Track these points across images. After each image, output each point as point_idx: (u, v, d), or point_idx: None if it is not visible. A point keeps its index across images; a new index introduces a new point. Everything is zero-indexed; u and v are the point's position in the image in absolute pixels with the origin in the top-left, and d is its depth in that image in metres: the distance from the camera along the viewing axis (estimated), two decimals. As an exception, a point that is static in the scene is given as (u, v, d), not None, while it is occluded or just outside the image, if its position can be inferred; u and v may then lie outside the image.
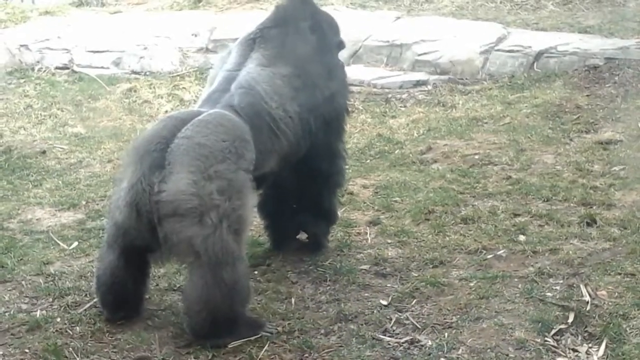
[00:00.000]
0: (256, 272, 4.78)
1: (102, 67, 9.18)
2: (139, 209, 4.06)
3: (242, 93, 4.48)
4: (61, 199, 5.97)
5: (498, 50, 8.57)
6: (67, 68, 9.14)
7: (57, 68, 9.15)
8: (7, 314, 4.35)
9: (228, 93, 4.48)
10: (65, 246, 5.19)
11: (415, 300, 4.44)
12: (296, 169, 4.84)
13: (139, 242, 4.15)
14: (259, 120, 4.44)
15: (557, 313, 4.19)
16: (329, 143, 4.94)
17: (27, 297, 4.56)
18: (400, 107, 7.84)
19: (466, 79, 8.34)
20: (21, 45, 9.48)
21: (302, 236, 5.19)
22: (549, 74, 8.07)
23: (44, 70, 9.09)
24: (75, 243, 5.23)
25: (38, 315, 4.32)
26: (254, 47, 4.72)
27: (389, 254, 4.97)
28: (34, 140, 7.37)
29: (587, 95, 7.48)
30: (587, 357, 3.88)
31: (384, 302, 4.44)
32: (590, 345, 3.96)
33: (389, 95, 8.10)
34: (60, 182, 6.33)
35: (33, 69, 9.11)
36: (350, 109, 5.39)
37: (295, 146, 4.67)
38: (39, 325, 4.21)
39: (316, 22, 4.91)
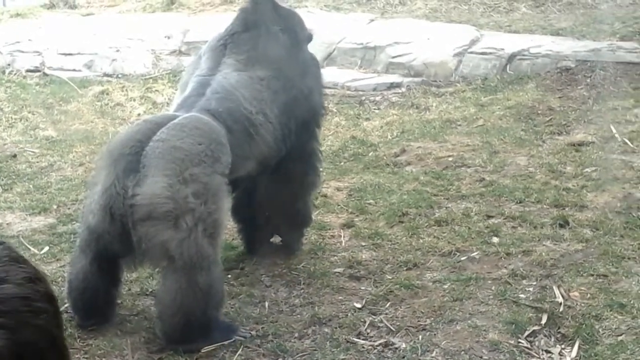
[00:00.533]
0: (230, 276, 4.75)
1: (73, 70, 9.09)
2: (112, 213, 4.03)
3: (220, 98, 4.45)
4: (32, 203, 5.90)
5: (471, 52, 8.59)
6: (39, 71, 9.05)
7: (28, 71, 9.05)
8: (-24, 320, 4.29)
9: (203, 98, 4.45)
10: (36, 251, 5.13)
11: (389, 303, 4.43)
12: (271, 170, 4.83)
13: (112, 247, 4.12)
14: (238, 125, 4.41)
15: (531, 314, 4.20)
16: (305, 142, 4.93)
17: (-3, 303, 4.50)
18: (374, 109, 7.85)
19: (440, 81, 8.35)
20: (-9, 48, 9.38)
21: (276, 239, 5.18)
22: (522, 76, 8.10)
23: (15, 73, 8.99)
24: (46, 248, 5.17)
25: (8, 322, 4.26)
26: (225, 52, 4.69)
27: (363, 257, 4.96)
28: (4, 144, 7.29)
29: (560, 97, 7.52)
30: (560, 358, 3.89)
31: (358, 305, 4.43)
32: (563, 346, 3.98)
33: (363, 98, 8.10)
34: (31, 186, 6.26)
35: (4, 72, 9.01)
36: (325, 106, 5.39)
37: (275, 150, 4.65)
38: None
39: (283, 20, 4.90)
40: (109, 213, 4.04)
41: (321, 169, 5.37)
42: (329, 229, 5.36)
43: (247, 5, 4.93)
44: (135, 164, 4.00)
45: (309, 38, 5.06)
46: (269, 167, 4.71)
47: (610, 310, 4.16)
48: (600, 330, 4.02)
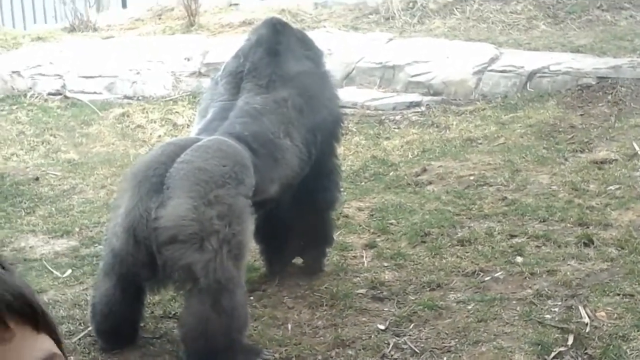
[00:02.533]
0: (252, 298, 4.74)
1: (94, 93, 9.13)
2: (136, 235, 4.03)
3: (244, 122, 4.47)
4: (54, 226, 5.92)
5: (491, 70, 8.55)
6: (60, 94, 9.10)
7: (49, 94, 9.10)
8: (0, 344, 4.29)
9: (227, 121, 4.47)
10: (59, 274, 5.14)
11: (413, 325, 4.41)
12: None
13: (136, 270, 4.12)
14: (263, 149, 4.42)
15: (557, 335, 4.16)
16: (325, 159, 4.94)
17: (21, 326, 4.50)
18: (394, 128, 7.83)
19: (459, 99, 8.32)
20: (13, 72, 9.43)
21: (298, 260, 5.16)
22: (542, 93, 8.06)
23: (36, 97, 9.04)
24: (69, 271, 5.19)
25: (32, 345, 4.26)
26: (244, 77, 4.70)
27: (386, 277, 4.93)
28: (26, 167, 7.33)
29: (581, 115, 7.47)
30: (588, 380, 3.85)
31: (382, 327, 4.40)
32: (590, 367, 3.93)
33: (383, 117, 8.08)
34: (53, 209, 6.28)
35: (25, 95, 9.06)
36: (344, 120, 5.40)
37: (299, 173, 4.66)
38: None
39: (296, 39, 4.92)
40: (133, 235, 4.05)
41: (341, 185, 5.36)
42: (351, 250, 5.34)
43: (259, 28, 4.95)
44: (159, 185, 4.02)
45: (321, 54, 5.08)
46: (292, 188, 4.70)
47: (638, 331, 4.11)
48: (627, 350, 3.98)
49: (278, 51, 4.79)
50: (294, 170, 4.61)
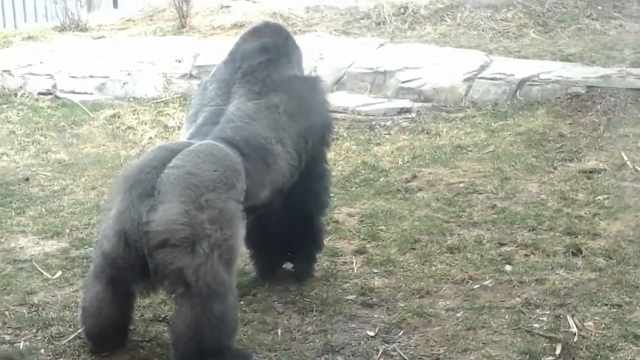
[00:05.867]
0: (242, 302, 4.74)
1: (85, 93, 9.12)
2: (127, 239, 4.04)
3: (235, 127, 4.47)
4: (45, 227, 5.92)
5: (481, 78, 8.60)
6: (50, 94, 9.09)
7: (40, 94, 9.09)
8: (-10, 345, 4.31)
9: (218, 126, 4.48)
10: (49, 275, 5.14)
11: (402, 331, 4.43)
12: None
13: (126, 273, 4.12)
14: (254, 154, 4.43)
15: (545, 344, 4.19)
16: (315, 164, 4.95)
17: (10, 327, 4.51)
18: (385, 134, 7.86)
19: (450, 106, 8.36)
20: (4, 71, 9.42)
21: (288, 265, 5.18)
22: (532, 102, 8.11)
23: (27, 96, 9.03)
24: (59, 272, 5.18)
25: (22, 347, 4.28)
26: (236, 82, 4.70)
27: (376, 284, 4.96)
28: (16, 167, 7.32)
29: (570, 124, 7.52)
30: (575, 390, 3.88)
31: (371, 333, 4.43)
32: (578, 377, 3.97)
33: (373, 123, 8.11)
34: (43, 209, 6.28)
35: (16, 95, 9.05)
36: (334, 124, 5.42)
37: (289, 180, 4.67)
38: (23, 357, 4.16)
39: (285, 41, 4.92)
40: (124, 239, 4.05)
41: (331, 191, 5.37)
42: (341, 256, 5.36)
43: (260, 33, 4.94)
44: (150, 189, 4.02)
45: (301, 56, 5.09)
46: (283, 193, 4.71)
47: (625, 341, 4.15)
48: (615, 361, 4.02)
49: (278, 58, 4.80)
50: (284, 175, 4.63)
